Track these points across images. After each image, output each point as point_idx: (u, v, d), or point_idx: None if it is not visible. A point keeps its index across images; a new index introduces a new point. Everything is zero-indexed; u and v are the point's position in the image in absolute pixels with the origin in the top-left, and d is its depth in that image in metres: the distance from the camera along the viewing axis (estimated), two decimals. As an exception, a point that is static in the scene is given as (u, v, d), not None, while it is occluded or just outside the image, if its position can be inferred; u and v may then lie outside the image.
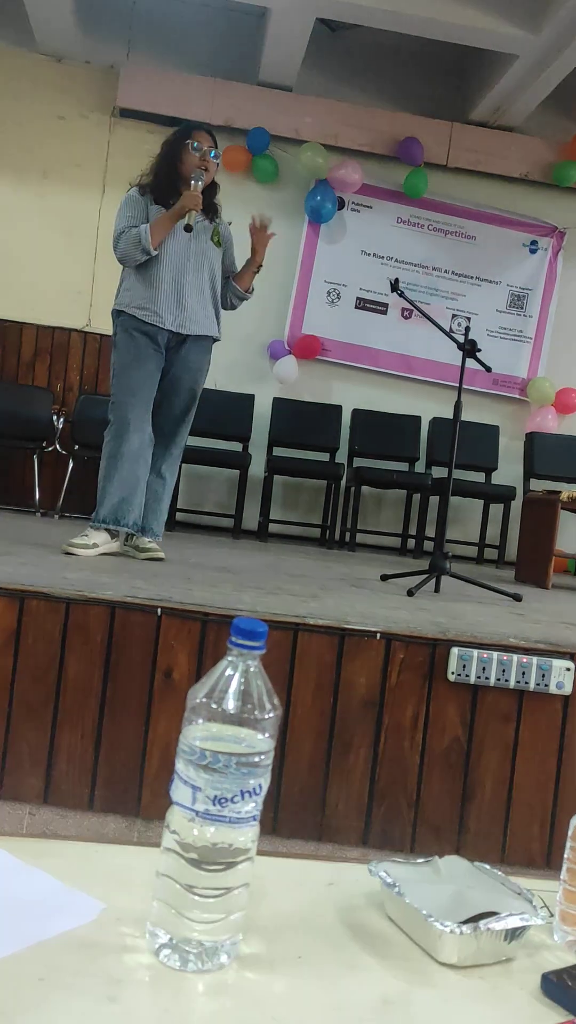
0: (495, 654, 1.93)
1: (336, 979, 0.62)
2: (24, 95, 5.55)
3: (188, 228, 2.84)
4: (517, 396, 5.88)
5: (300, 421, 5.51)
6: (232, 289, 3.16)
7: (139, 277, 2.98)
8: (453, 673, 1.92)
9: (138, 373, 2.97)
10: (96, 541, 2.93)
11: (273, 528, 5.38)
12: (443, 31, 4.85)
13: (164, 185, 2.95)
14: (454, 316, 5.78)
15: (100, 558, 2.88)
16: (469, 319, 5.71)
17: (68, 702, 1.88)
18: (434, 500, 5.31)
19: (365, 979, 0.62)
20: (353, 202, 5.71)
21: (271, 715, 0.62)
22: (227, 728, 0.61)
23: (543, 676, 1.92)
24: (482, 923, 0.66)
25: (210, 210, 3.03)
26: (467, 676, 1.91)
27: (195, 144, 2.92)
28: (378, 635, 1.94)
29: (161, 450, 3.13)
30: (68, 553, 2.83)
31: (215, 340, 3.14)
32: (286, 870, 0.79)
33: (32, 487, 5.21)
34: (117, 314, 3.02)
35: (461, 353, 3.18)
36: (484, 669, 1.92)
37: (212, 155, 2.95)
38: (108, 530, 3.00)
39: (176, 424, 3.13)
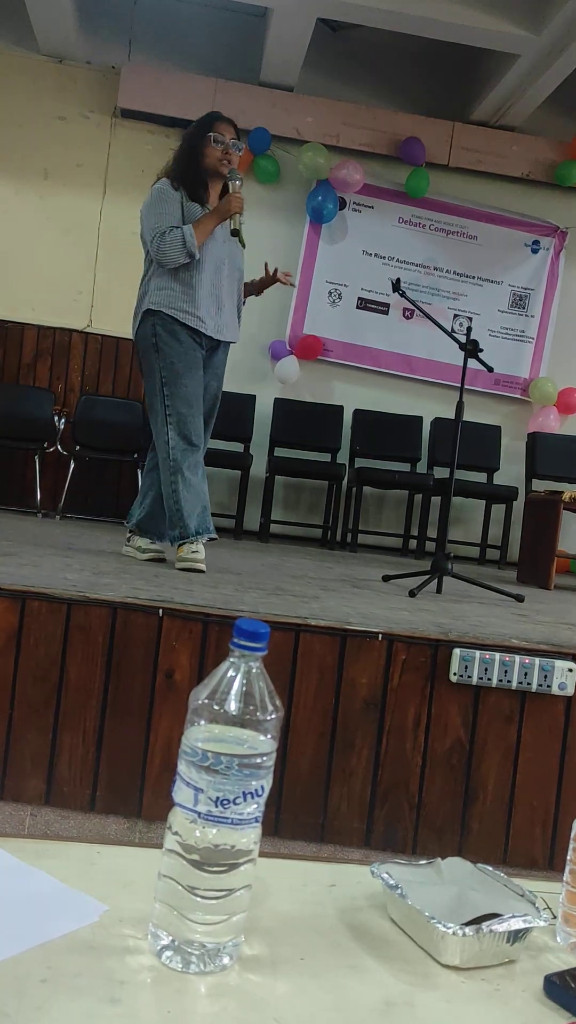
0: (497, 655, 1.93)
1: (338, 981, 0.62)
2: (25, 96, 5.55)
3: (235, 232, 2.78)
4: (519, 396, 5.87)
5: (301, 421, 5.51)
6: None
7: (175, 278, 2.85)
8: (455, 674, 1.91)
9: (192, 381, 2.86)
10: (202, 552, 2.87)
11: (274, 529, 5.38)
12: (444, 31, 4.85)
13: (190, 180, 2.85)
14: (456, 316, 5.78)
15: (101, 559, 2.88)
16: (471, 319, 5.71)
17: (69, 703, 1.88)
18: (436, 500, 5.31)
19: (367, 981, 0.62)
20: (354, 202, 5.71)
21: (273, 716, 0.62)
22: (229, 729, 0.61)
23: (545, 677, 1.92)
24: (484, 925, 0.65)
25: None
26: (469, 677, 1.91)
27: (216, 137, 2.84)
28: (380, 636, 1.94)
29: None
30: (191, 570, 2.77)
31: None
32: (288, 872, 0.79)
33: (33, 488, 5.22)
34: (151, 314, 2.88)
35: (463, 353, 3.18)
36: (486, 670, 1.91)
37: (235, 147, 2.86)
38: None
39: (208, 431, 3.05)
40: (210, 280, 2.88)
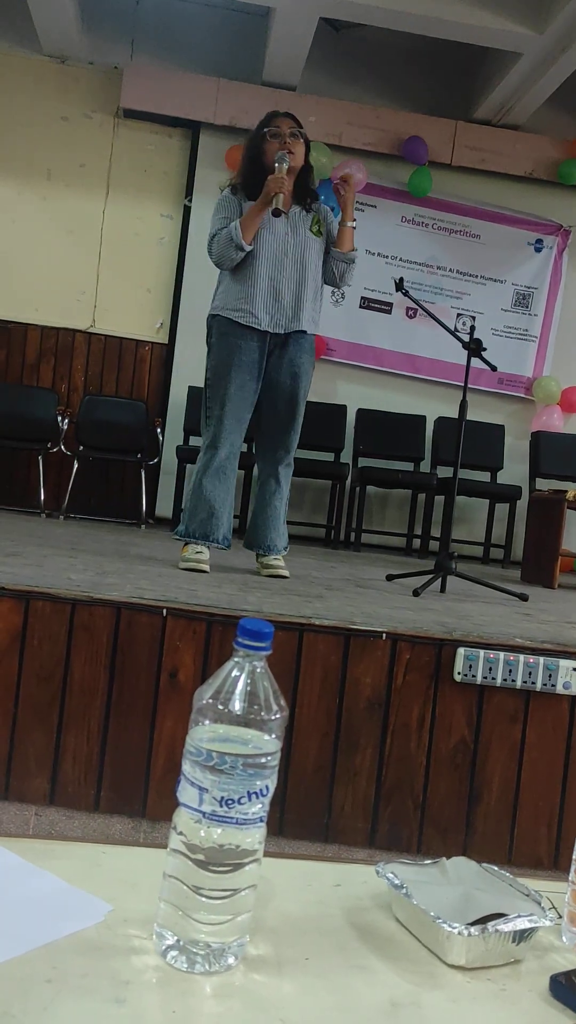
0: (501, 654, 1.92)
1: (344, 981, 0.62)
2: (28, 96, 5.56)
3: (277, 213, 2.68)
4: (522, 395, 5.87)
5: (305, 421, 5.49)
6: (334, 257, 2.94)
7: (235, 277, 2.87)
8: (459, 673, 1.91)
9: (231, 383, 2.85)
10: (208, 556, 2.87)
11: (278, 528, 5.37)
12: (447, 30, 4.85)
13: (251, 182, 2.83)
14: (459, 315, 5.77)
15: (104, 559, 2.88)
16: (474, 318, 5.70)
17: (74, 703, 1.88)
18: (439, 500, 5.30)
19: (373, 981, 0.62)
20: (357, 201, 5.70)
21: (278, 716, 0.62)
22: (234, 729, 0.61)
23: (550, 676, 1.92)
24: (490, 925, 0.65)
25: (306, 196, 2.91)
26: (473, 676, 1.91)
27: (273, 131, 2.82)
28: (384, 635, 1.93)
29: (271, 461, 3.03)
30: (194, 570, 2.77)
31: (314, 338, 3.01)
32: (293, 872, 0.79)
33: (37, 488, 5.22)
34: (211, 318, 2.92)
35: (466, 352, 3.18)
36: (490, 669, 1.91)
37: (293, 136, 2.81)
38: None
39: (284, 431, 3.00)
40: (268, 273, 2.84)
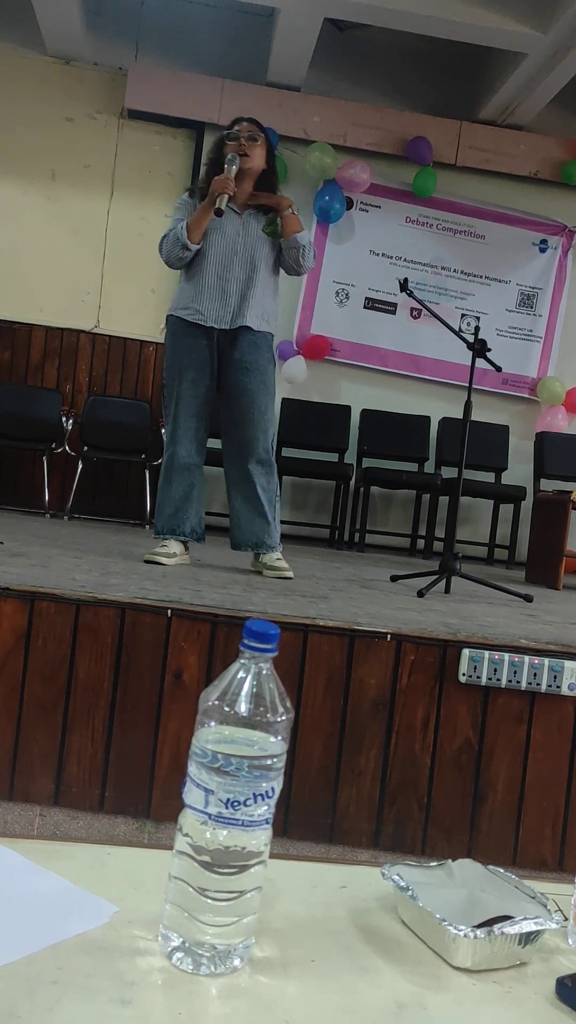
0: (506, 655, 1.92)
1: (349, 983, 0.61)
2: (33, 97, 5.57)
3: (218, 212, 2.75)
4: (527, 396, 5.86)
5: (309, 421, 5.51)
6: (284, 248, 2.91)
7: (186, 277, 2.96)
8: (464, 674, 1.91)
9: (184, 380, 2.92)
10: (175, 551, 2.95)
11: (282, 529, 5.34)
12: (452, 30, 4.85)
13: (208, 185, 2.86)
14: (463, 316, 5.77)
15: (109, 559, 2.88)
16: (478, 318, 5.70)
17: (78, 703, 1.89)
18: (444, 500, 5.30)
19: (378, 983, 0.62)
20: (362, 202, 5.71)
21: (283, 718, 0.62)
22: (239, 731, 0.61)
23: (555, 677, 1.92)
24: (496, 927, 0.65)
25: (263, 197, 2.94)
26: (478, 677, 1.91)
27: (231, 135, 2.89)
28: (388, 636, 1.93)
29: (237, 459, 2.96)
30: (152, 562, 2.85)
31: (272, 336, 3.00)
32: (298, 873, 0.79)
33: (41, 488, 5.23)
34: (167, 318, 3.00)
35: (471, 353, 3.18)
36: (495, 670, 1.91)
37: (250, 139, 2.87)
38: (182, 542, 3.01)
39: (243, 428, 2.93)
40: (216, 272, 2.90)
